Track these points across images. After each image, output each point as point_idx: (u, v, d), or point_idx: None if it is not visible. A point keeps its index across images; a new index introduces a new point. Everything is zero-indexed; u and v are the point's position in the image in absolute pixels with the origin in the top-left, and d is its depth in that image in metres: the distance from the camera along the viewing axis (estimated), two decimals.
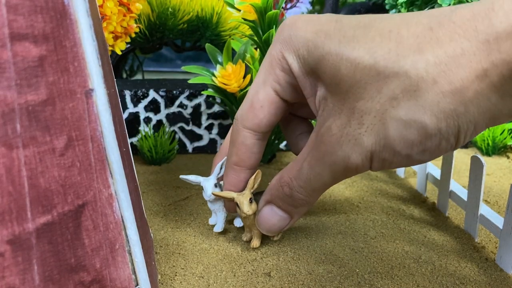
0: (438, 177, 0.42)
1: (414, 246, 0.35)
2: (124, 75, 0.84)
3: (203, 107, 0.56)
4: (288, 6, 0.89)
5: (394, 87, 0.21)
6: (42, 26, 0.18)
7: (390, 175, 0.51)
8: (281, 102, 0.28)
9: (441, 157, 0.44)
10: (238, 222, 0.37)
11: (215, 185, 0.34)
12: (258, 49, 0.46)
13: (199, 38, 0.68)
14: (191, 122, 0.56)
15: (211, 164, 0.54)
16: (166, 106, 0.55)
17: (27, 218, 0.18)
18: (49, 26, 0.19)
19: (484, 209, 0.36)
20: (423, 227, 0.39)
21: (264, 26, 0.43)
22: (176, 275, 0.31)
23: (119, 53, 0.46)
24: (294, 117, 0.33)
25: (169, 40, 0.69)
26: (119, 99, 0.28)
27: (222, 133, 0.57)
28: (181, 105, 0.56)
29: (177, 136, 0.56)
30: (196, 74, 0.47)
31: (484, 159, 0.46)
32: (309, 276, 0.31)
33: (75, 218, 0.20)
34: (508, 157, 0.58)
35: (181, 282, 0.30)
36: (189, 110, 0.56)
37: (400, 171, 0.51)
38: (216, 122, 0.57)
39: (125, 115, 0.55)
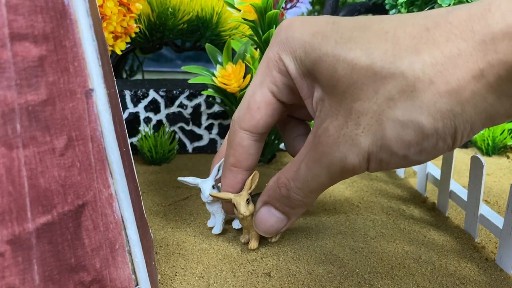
0: (438, 177, 0.42)
1: (414, 246, 0.35)
2: (124, 75, 0.84)
3: (203, 107, 0.56)
4: (288, 6, 0.89)
5: (391, 88, 0.21)
6: (42, 26, 0.18)
7: (390, 175, 0.51)
8: (278, 104, 0.28)
9: (441, 157, 0.44)
10: (236, 224, 0.37)
11: (213, 187, 0.34)
12: (258, 49, 0.46)
13: (199, 38, 0.68)
14: (191, 122, 0.56)
15: (211, 164, 0.54)
16: (166, 106, 0.55)
17: (27, 218, 0.18)
18: (49, 26, 0.19)
19: (484, 209, 0.36)
20: (423, 227, 0.39)
21: (264, 26, 0.43)
22: (176, 275, 0.31)
23: (119, 53, 0.46)
24: (291, 119, 0.33)
25: (169, 40, 0.69)
26: (119, 99, 0.28)
27: (222, 133, 0.57)
28: (181, 105, 0.56)
29: (177, 136, 0.56)
30: (196, 74, 0.47)
31: (484, 159, 0.46)
32: (309, 276, 0.31)
33: (75, 218, 0.20)
34: (508, 157, 0.58)
35: (181, 282, 0.30)
36: (189, 110, 0.56)
37: (400, 171, 0.51)
38: (216, 122, 0.57)
39: (125, 115, 0.55)
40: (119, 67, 0.78)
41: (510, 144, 0.59)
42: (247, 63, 0.46)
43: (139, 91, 0.55)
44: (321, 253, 0.34)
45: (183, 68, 0.47)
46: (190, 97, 0.55)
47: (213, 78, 0.46)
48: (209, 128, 0.57)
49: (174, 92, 0.55)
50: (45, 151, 0.19)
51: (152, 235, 0.31)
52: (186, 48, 0.73)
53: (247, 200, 0.31)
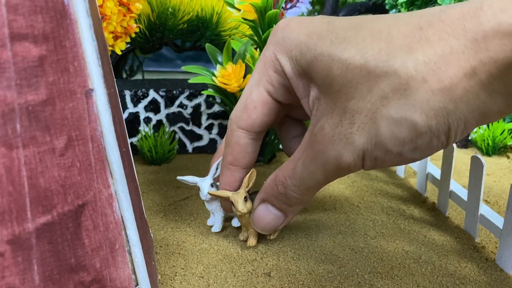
0: (438, 177, 0.42)
1: (414, 246, 0.35)
2: (124, 75, 0.84)
3: (203, 107, 0.56)
4: (288, 6, 0.89)
5: (385, 86, 0.21)
6: (42, 26, 0.18)
7: (390, 175, 0.51)
8: (274, 103, 0.29)
9: (441, 157, 0.44)
10: (235, 222, 0.37)
11: (211, 185, 0.35)
12: (258, 49, 0.46)
13: (199, 38, 0.68)
14: (191, 122, 0.56)
15: (210, 163, 0.54)
16: (166, 106, 0.55)
17: (27, 218, 0.18)
18: (49, 26, 0.19)
19: (484, 209, 0.36)
20: (423, 227, 0.39)
21: (264, 26, 0.43)
22: (176, 275, 0.31)
23: (119, 53, 0.46)
24: (289, 119, 0.33)
25: (169, 40, 0.69)
26: (119, 99, 0.28)
27: (222, 133, 0.57)
28: (181, 105, 0.56)
29: (177, 136, 0.56)
30: (196, 74, 0.47)
31: (484, 159, 0.46)
32: (309, 276, 0.31)
33: (75, 218, 0.20)
34: (508, 157, 0.58)
35: (181, 282, 0.30)
36: (189, 110, 0.56)
37: (400, 171, 0.51)
38: (216, 122, 0.57)
39: (125, 115, 0.55)
40: (119, 67, 0.78)
41: (510, 144, 0.59)
42: (247, 63, 0.46)
43: (139, 91, 0.55)
44: (321, 253, 0.34)
45: (183, 68, 0.47)
46: (190, 97, 0.55)
47: (213, 78, 0.46)
48: (209, 128, 0.57)
49: (174, 92, 0.55)
50: (45, 151, 0.19)
51: (152, 235, 0.31)
52: (186, 48, 0.73)
53: (245, 197, 0.31)
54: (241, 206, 0.31)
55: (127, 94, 0.54)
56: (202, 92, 0.48)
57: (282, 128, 0.33)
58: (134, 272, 0.23)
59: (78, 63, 0.20)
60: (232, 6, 0.42)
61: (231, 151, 0.31)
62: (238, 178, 0.32)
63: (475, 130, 0.61)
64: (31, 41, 0.18)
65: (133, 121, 0.55)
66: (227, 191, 0.32)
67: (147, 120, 0.55)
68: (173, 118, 0.56)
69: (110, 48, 0.45)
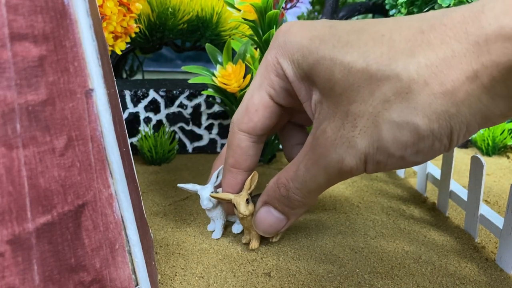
0: (438, 177, 0.42)
1: (414, 246, 0.35)
2: (124, 75, 0.84)
3: (203, 107, 0.56)
4: (288, 6, 0.89)
5: (386, 90, 0.21)
6: (42, 26, 0.18)
7: (390, 175, 0.51)
8: (276, 107, 0.29)
9: (441, 157, 0.44)
10: (235, 229, 0.37)
11: (210, 195, 0.34)
12: (258, 49, 0.46)
13: (199, 38, 0.68)
14: (191, 122, 0.56)
15: (211, 164, 0.54)
16: (166, 106, 0.55)
17: (27, 218, 0.18)
18: (49, 26, 0.19)
19: (484, 209, 0.36)
20: (423, 227, 0.39)
21: (264, 26, 0.43)
22: (176, 275, 0.31)
23: (119, 53, 0.46)
24: (291, 126, 0.33)
25: (169, 40, 0.69)
26: (119, 99, 0.28)
27: (222, 133, 0.57)
28: (181, 105, 0.56)
29: (177, 136, 0.56)
30: (196, 74, 0.47)
31: (484, 159, 0.46)
32: (309, 276, 0.31)
33: (75, 218, 0.20)
34: (508, 157, 0.58)
35: (181, 282, 0.30)
36: (189, 110, 0.56)
37: (400, 171, 0.51)
38: (216, 122, 0.57)
39: (125, 115, 0.55)
40: (119, 67, 0.78)
41: (510, 144, 0.59)
42: (247, 63, 0.46)
43: (139, 91, 0.55)
44: (321, 253, 0.34)
45: (183, 68, 0.47)
46: (190, 97, 0.55)
47: (213, 78, 0.46)
48: (209, 128, 0.57)
49: (174, 92, 0.55)
50: (45, 151, 0.19)
51: (152, 235, 0.31)
52: (186, 48, 0.73)
53: (247, 200, 0.31)
54: (243, 208, 0.31)
55: (127, 94, 0.54)
56: (202, 92, 0.48)
57: (285, 135, 0.33)
58: (134, 272, 0.23)
59: (78, 63, 0.20)
60: (232, 6, 0.42)
61: (232, 153, 0.31)
62: (240, 180, 0.32)
63: None
64: (31, 41, 0.18)
65: (133, 121, 0.55)
66: (229, 193, 0.32)
67: (147, 120, 0.55)
68: (173, 118, 0.56)
69: (110, 48, 0.45)
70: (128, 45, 0.65)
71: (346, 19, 0.75)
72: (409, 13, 0.53)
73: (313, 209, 0.42)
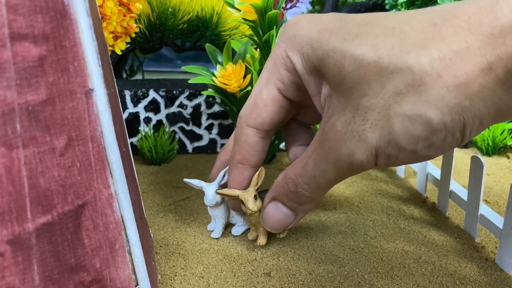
0: (438, 177, 0.42)
1: (414, 246, 0.35)
2: (124, 75, 0.84)
3: (203, 107, 0.56)
4: (288, 6, 0.89)
5: (398, 83, 0.21)
6: (42, 26, 0.18)
7: (390, 175, 0.51)
8: (285, 101, 0.28)
9: (441, 157, 0.44)
10: (235, 231, 0.37)
11: (216, 192, 0.35)
12: (258, 49, 0.46)
13: (199, 38, 0.68)
14: (191, 122, 0.56)
15: (211, 164, 0.54)
16: (166, 106, 0.55)
17: (27, 218, 0.18)
18: (49, 26, 0.19)
19: (484, 209, 0.36)
20: (423, 227, 0.39)
21: (264, 26, 0.43)
22: (176, 275, 0.31)
23: (119, 53, 0.46)
24: (297, 126, 0.33)
25: (169, 40, 0.69)
26: (119, 99, 0.28)
27: (222, 133, 0.57)
28: (181, 105, 0.56)
29: (177, 136, 0.56)
30: (196, 74, 0.47)
31: (484, 159, 0.46)
32: (309, 276, 0.31)
33: (75, 218, 0.20)
34: (508, 157, 0.58)
35: (181, 282, 0.30)
36: (189, 110, 0.56)
37: (400, 171, 0.51)
38: (216, 122, 0.57)
39: (125, 115, 0.55)
40: (119, 67, 0.78)
41: (510, 144, 0.59)
42: (247, 63, 0.46)
43: (139, 91, 0.55)
44: (321, 253, 0.34)
45: (183, 68, 0.47)
46: (190, 97, 0.55)
47: (213, 78, 0.46)
48: (209, 128, 0.57)
49: (174, 92, 0.55)
50: (45, 151, 0.19)
51: (152, 235, 0.31)
52: (186, 48, 0.73)
53: (255, 196, 0.31)
54: (252, 204, 0.31)
55: (127, 94, 0.54)
56: (202, 92, 0.48)
57: (289, 135, 0.33)
58: (134, 272, 0.23)
59: (78, 63, 0.20)
60: (232, 6, 0.42)
61: (240, 149, 0.30)
62: (246, 176, 0.32)
63: None
64: (31, 41, 0.18)
65: (133, 121, 0.55)
66: (236, 189, 0.32)
67: (147, 120, 0.55)
68: (173, 118, 0.56)
69: (110, 48, 0.45)
70: (128, 45, 0.65)
71: None
72: None
73: (313, 209, 0.42)
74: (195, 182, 0.35)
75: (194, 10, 0.63)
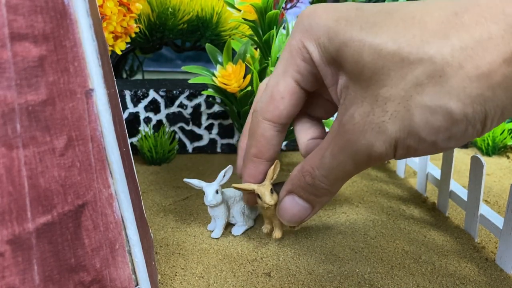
0: (438, 177, 0.42)
1: (414, 246, 0.35)
2: (124, 75, 0.84)
3: (203, 107, 0.56)
4: (288, 6, 0.89)
5: (419, 73, 0.20)
6: (42, 26, 0.18)
7: (390, 175, 0.51)
8: (302, 92, 0.28)
9: (441, 157, 0.44)
10: (236, 231, 0.37)
11: (217, 191, 0.35)
12: (258, 49, 0.46)
13: (199, 38, 0.68)
14: (191, 122, 0.56)
15: (211, 164, 0.54)
16: (166, 106, 0.55)
17: (27, 218, 0.18)
18: (49, 26, 0.19)
19: (484, 209, 0.36)
20: (423, 227, 0.39)
21: (264, 26, 0.43)
22: (176, 275, 0.31)
23: (119, 53, 0.46)
24: (308, 119, 0.32)
25: (169, 40, 0.69)
26: (119, 99, 0.28)
27: (222, 133, 0.57)
28: (181, 105, 0.56)
29: (177, 136, 0.56)
30: (196, 74, 0.47)
31: (484, 159, 0.46)
32: (309, 276, 0.31)
33: (75, 218, 0.20)
34: (508, 157, 0.58)
35: (181, 282, 0.30)
36: (189, 110, 0.56)
37: (400, 171, 0.51)
38: (216, 122, 0.57)
39: (125, 115, 0.55)
40: (119, 67, 0.78)
41: (510, 144, 0.59)
42: (247, 63, 0.46)
43: (139, 91, 0.55)
44: (321, 253, 0.34)
45: (183, 68, 0.47)
46: (190, 97, 0.55)
47: (213, 78, 0.46)
48: (209, 128, 0.57)
49: (174, 92, 0.55)
50: (45, 151, 0.19)
51: (152, 235, 0.31)
52: (186, 48, 0.73)
53: (271, 189, 0.31)
54: (269, 198, 0.31)
55: (127, 94, 0.54)
56: (202, 92, 0.48)
57: (300, 129, 0.33)
58: (134, 272, 0.23)
59: (78, 63, 0.20)
60: (232, 6, 0.42)
61: (256, 143, 0.30)
62: (262, 170, 0.31)
63: None
64: (31, 41, 0.18)
65: (133, 121, 0.55)
66: (251, 183, 0.32)
67: (147, 120, 0.55)
68: (173, 118, 0.56)
69: (110, 48, 0.45)
70: (128, 45, 0.65)
71: None
72: None
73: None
74: (195, 182, 0.35)
75: (194, 10, 0.63)
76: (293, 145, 0.59)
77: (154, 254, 0.31)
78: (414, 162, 0.50)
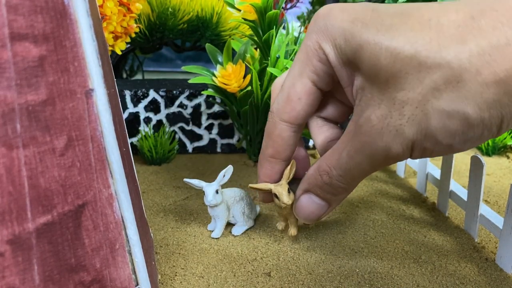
0: (438, 177, 0.42)
1: (414, 246, 0.35)
2: (124, 75, 0.84)
3: (203, 107, 0.56)
4: (288, 6, 0.89)
5: (437, 78, 0.21)
6: (42, 26, 0.18)
7: (390, 175, 0.51)
8: (319, 93, 0.28)
9: (441, 157, 0.44)
10: (236, 231, 0.37)
11: (217, 191, 0.35)
12: (258, 49, 0.46)
13: (199, 38, 0.68)
14: (191, 122, 0.56)
15: (211, 164, 0.54)
16: (166, 106, 0.55)
17: (27, 218, 0.18)
18: (49, 26, 0.19)
19: (484, 209, 0.36)
20: (423, 227, 0.39)
21: (264, 26, 0.43)
22: (176, 275, 0.31)
23: (119, 53, 0.46)
24: (324, 123, 0.33)
25: (169, 40, 0.69)
26: (119, 99, 0.28)
27: (222, 133, 0.57)
28: (181, 105, 0.56)
29: (177, 136, 0.56)
30: (196, 74, 0.47)
31: (484, 159, 0.46)
32: (309, 276, 0.31)
33: (75, 218, 0.20)
34: (508, 157, 0.58)
35: (181, 282, 0.30)
36: (189, 110, 0.56)
37: (400, 171, 0.51)
38: (216, 122, 0.57)
39: (125, 115, 0.55)
40: (119, 67, 0.78)
41: (510, 144, 0.59)
42: (247, 63, 0.46)
43: (139, 91, 0.55)
44: (321, 253, 0.34)
45: (183, 68, 0.47)
46: (190, 97, 0.55)
47: (213, 78, 0.46)
48: (209, 128, 0.57)
49: (174, 92, 0.55)
50: (45, 151, 0.19)
51: (152, 235, 0.31)
52: (186, 48, 0.73)
53: (288, 189, 0.31)
54: (286, 198, 0.31)
55: (127, 94, 0.54)
56: (202, 92, 0.48)
57: (319, 132, 0.33)
58: (134, 272, 0.23)
59: (78, 63, 0.20)
60: (232, 6, 0.42)
61: (272, 144, 0.31)
62: (278, 170, 0.32)
63: None
64: (31, 41, 0.18)
65: (133, 121, 0.55)
66: (268, 183, 0.32)
67: (147, 120, 0.55)
68: (173, 118, 0.56)
69: (110, 48, 0.45)
70: (128, 45, 0.65)
71: None
72: None
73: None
74: (195, 182, 0.36)
75: (194, 10, 0.63)
76: None
77: (154, 254, 0.31)
78: (414, 162, 0.50)
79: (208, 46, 0.47)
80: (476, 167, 0.35)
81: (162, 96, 0.55)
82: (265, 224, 0.39)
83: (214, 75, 0.46)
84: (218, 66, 0.46)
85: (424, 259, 0.33)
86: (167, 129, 0.56)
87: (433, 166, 0.45)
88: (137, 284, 0.23)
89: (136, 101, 0.55)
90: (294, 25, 0.49)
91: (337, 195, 0.28)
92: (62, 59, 0.19)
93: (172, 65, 1.03)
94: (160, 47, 0.76)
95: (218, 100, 0.55)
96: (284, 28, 0.57)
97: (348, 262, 0.33)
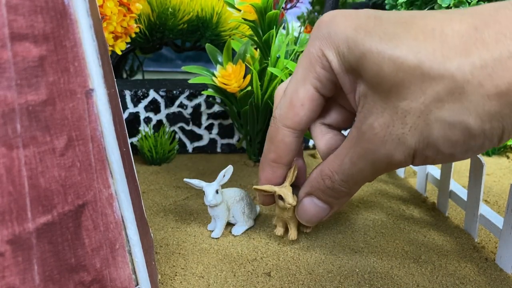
0: (438, 177, 0.42)
1: (414, 246, 0.35)
2: (124, 75, 0.84)
3: (203, 107, 0.56)
4: (288, 6, 0.89)
5: (439, 89, 0.21)
6: (42, 26, 0.18)
7: (390, 175, 0.51)
8: (321, 99, 0.29)
9: None
10: (236, 231, 0.37)
11: (217, 191, 0.35)
12: (258, 49, 0.46)
13: (199, 38, 0.68)
14: (191, 122, 0.56)
15: (211, 164, 0.54)
16: (166, 106, 0.55)
17: (27, 218, 0.18)
18: (49, 26, 0.19)
19: (484, 209, 0.36)
20: (423, 227, 0.39)
21: (264, 26, 0.43)
22: (176, 275, 0.31)
23: (119, 53, 0.46)
24: (328, 130, 0.33)
25: (169, 40, 0.69)
26: (119, 99, 0.28)
27: (222, 133, 0.57)
28: (181, 105, 0.56)
29: (177, 136, 0.56)
30: (196, 74, 0.47)
31: (484, 159, 0.46)
32: (309, 276, 0.31)
33: (75, 218, 0.20)
34: (508, 157, 0.58)
35: (181, 282, 0.30)
36: (189, 110, 0.56)
37: (400, 171, 0.51)
38: (216, 122, 0.57)
39: (125, 115, 0.55)
40: (119, 67, 0.78)
41: (510, 144, 0.59)
42: (247, 63, 0.46)
43: (139, 91, 0.55)
44: (321, 253, 0.34)
45: (183, 68, 0.47)
46: (190, 97, 0.55)
47: (213, 78, 0.46)
48: (209, 128, 0.57)
49: (174, 92, 0.55)
50: (45, 151, 0.19)
51: (152, 235, 0.31)
52: (186, 48, 0.73)
53: (291, 191, 0.32)
54: (291, 199, 0.32)
55: (127, 94, 0.54)
56: (202, 92, 0.48)
57: (321, 138, 0.33)
58: (134, 272, 0.23)
59: (78, 63, 0.20)
60: (232, 6, 0.42)
61: (275, 149, 0.31)
62: (280, 174, 0.32)
63: None
64: (31, 41, 0.18)
65: (133, 121, 0.55)
66: (272, 186, 0.32)
67: (147, 120, 0.55)
68: (173, 118, 0.56)
69: (110, 48, 0.45)
70: (128, 45, 0.65)
71: None
72: None
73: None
74: (195, 182, 0.36)
75: (194, 10, 0.63)
76: None
77: (154, 254, 0.31)
78: None
79: (208, 46, 0.47)
80: (476, 167, 0.35)
81: (162, 96, 0.55)
82: (265, 224, 0.39)
83: (214, 75, 0.46)
84: (218, 66, 0.46)
85: (424, 259, 0.33)
86: (167, 129, 0.56)
87: (433, 166, 0.45)
88: (137, 284, 0.23)
89: (136, 101, 0.55)
90: (294, 25, 0.49)
91: (339, 198, 0.29)
92: (62, 59, 0.19)
93: (172, 65, 1.03)
94: (160, 47, 0.76)
95: (218, 100, 0.55)
96: (284, 28, 0.57)
97: (348, 262, 0.33)
